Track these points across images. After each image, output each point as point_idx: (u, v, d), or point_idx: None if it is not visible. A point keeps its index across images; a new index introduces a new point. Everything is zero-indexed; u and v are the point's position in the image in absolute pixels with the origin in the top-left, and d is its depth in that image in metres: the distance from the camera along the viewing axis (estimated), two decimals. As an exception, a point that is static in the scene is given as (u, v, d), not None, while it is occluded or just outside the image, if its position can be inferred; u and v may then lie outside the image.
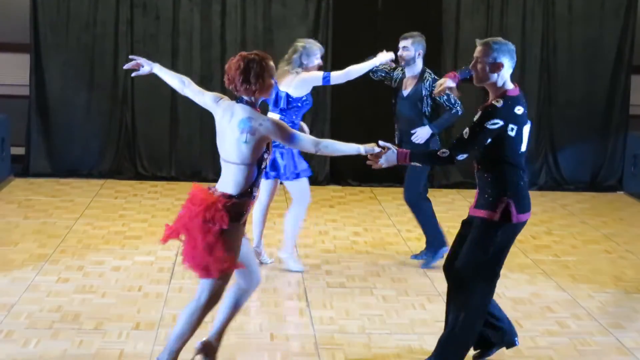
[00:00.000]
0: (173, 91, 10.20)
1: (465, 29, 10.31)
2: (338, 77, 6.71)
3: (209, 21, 10.14)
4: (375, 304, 6.23)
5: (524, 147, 4.83)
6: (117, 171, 10.20)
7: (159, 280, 6.56)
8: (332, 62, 9.60)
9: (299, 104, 6.71)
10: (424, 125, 6.98)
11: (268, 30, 10.19)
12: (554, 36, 10.39)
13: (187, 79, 4.99)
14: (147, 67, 5.06)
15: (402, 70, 7.13)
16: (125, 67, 5.14)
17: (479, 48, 4.85)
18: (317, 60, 6.78)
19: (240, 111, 4.61)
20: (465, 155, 4.76)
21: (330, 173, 10.37)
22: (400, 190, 7.40)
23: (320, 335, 5.56)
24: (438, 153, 4.82)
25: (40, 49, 9.98)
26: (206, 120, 10.23)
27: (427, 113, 7.02)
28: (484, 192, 4.85)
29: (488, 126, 4.69)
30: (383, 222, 8.53)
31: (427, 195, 7.20)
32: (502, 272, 7.05)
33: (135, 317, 5.74)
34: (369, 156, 4.86)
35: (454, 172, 10.41)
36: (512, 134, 4.73)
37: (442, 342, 4.99)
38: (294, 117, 6.71)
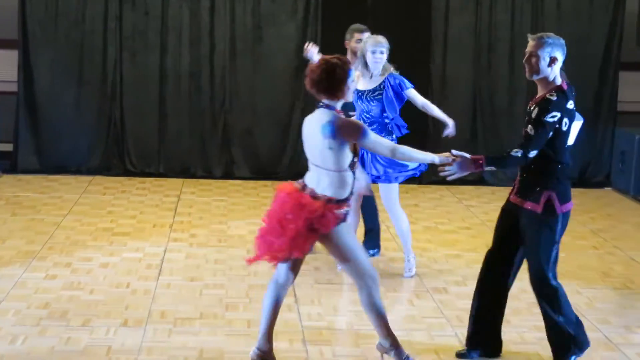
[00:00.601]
0: (162, 87, 10.33)
1: (454, 25, 10.33)
2: None
3: (198, 17, 10.12)
4: (363, 300, 6.23)
5: (570, 142, 4.99)
6: (106, 167, 10.17)
7: (147, 276, 6.55)
8: (321, 58, 9.59)
9: None
10: None
11: (257, 27, 10.18)
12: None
13: None
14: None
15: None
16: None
17: (532, 42, 4.93)
18: (370, 55, 6.65)
19: (322, 116, 4.70)
20: (536, 152, 4.84)
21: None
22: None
23: (309, 332, 5.56)
24: (511, 153, 4.86)
25: (28, 45, 9.94)
26: (195, 116, 10.23)
27: None
28: (526, 182, 4.96)
29: (548, 119, 4.80)
30: (372, 219, 8.53)
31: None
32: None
33: (123, 314, 5.74)
34: (439, 168, 4.92)
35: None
36: (565, 128, 4.87)
37: (555, 339, 5.11)
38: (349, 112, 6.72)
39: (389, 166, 6.57)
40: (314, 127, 4.72)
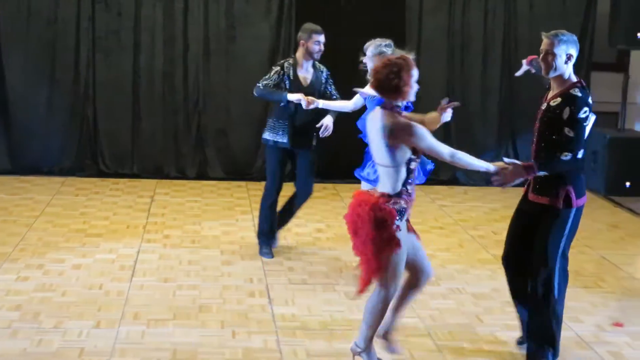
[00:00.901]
0: (135, 87, 10.27)
1: (427, 26, 10.37)
2: None
3: (172, 18, 10.08)
4: (337, 300, 6.24)
5: (585, 136, 5.04)
6: (79, 168, 10.10)
7: (120, 278, 6.52)
8: (295, 58, 9.60)
9: None
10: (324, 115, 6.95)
11: (231, 27, 10.16)
12: (516, 33, 10.47)
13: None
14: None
15: (292, 64, 7.03)
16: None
17: (547, 41, 4.97)
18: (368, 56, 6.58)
19: (383, 116, 4.71)
20: (583, 150, 4.92)
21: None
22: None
23: (282, 332, 5.56)
24: (561, 158, 4.90)
25: (0, 45, 9.87)
26: (168, 117, 10.20)
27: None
28: (545, 178, 4.99)
29: (581, 116, 4.88)
30: (346, 219, 8.53)
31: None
32: (462, 267, 7.15)
33: (96, 315, 5.71)
34: (492, 178, 4.92)
35: (416, 168, 10.45)
36: (586, 123, 4.93)
37: (537, 332, 5.13)
38: None
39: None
40: (374, 126, 4.75)
